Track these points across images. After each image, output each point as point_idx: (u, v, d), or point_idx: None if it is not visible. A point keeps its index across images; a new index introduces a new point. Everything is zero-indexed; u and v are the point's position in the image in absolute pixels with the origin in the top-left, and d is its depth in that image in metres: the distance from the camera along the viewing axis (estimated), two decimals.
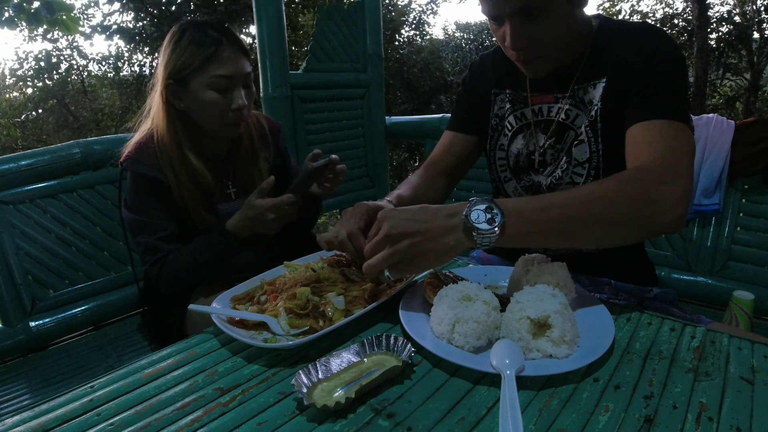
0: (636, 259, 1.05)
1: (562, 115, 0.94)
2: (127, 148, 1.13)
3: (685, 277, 1.61)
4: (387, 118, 2.43)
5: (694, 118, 1.06)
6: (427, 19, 12.65)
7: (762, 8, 8.91)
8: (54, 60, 11.69)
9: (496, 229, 0.65)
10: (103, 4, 9.24)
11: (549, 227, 0.69)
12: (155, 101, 1.12)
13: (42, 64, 11.62)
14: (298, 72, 2.09)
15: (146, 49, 9.72)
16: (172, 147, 1.10)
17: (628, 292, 0.95)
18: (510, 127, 1.02)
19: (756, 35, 9.01)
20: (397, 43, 11.76)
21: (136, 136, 1.14)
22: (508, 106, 1.02)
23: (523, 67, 0.90)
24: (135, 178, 1.11)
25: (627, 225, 0.71)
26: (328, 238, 0.81)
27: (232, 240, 1.10)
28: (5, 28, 4.15)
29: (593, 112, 0.90)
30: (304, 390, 0.54)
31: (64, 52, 11.85)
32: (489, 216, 0.66)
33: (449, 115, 1.19)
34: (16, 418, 0.54)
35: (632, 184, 0.72)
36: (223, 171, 1.20)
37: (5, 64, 15.85)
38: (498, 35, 0.88)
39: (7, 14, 4.08)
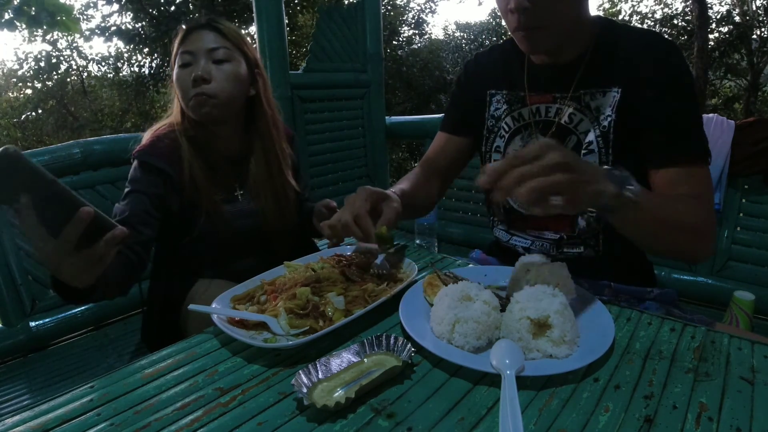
0: (635, 259, 1.05)
1: (565, 118, 0.92)
2: (142, 141, 1.12)
3: (685, 277, 1.61)
4: (387, 118, 2.43)
5: None
6: (426, 19, 12.68)
7: (762, 8, 8.91)
8: (54, 61, 11.69)
9: (639, 191, 0.68)
10: (102, 5, 9.25)
11: (649, 217, 0.73)
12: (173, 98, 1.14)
13: (42, 64, 11.62)
14: (298, 72, 2.09)
15: (146, 50, 9.73)
16: (187, 130, 1.10)
17: (628, 293, 0.95)
18: (507, 129, 1.00)
19: (756, 35, 9.01)
20: (395, 42, 11.76)
21: (153, 130, 1.13)
22: (504, 107, 1.01)
23: (523, 39, 0.86)
24: (141, 165, 1.07)
25: (685, 246, 0.81)
26: (331, 223, 0.80)
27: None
28: (5, 30, 4.15)
29: (606, 123, 0.88)
30: (304, 390, 0.54)
31: (64, 53, 11.88)
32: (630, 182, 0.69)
33: None
34: (16, 418, 0.54)
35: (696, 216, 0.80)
36: (233, 172, 1.17)
37: (5, 64, 15.85)
38: (502, 2, 0.85)
39: (7, 16, 4.08)
